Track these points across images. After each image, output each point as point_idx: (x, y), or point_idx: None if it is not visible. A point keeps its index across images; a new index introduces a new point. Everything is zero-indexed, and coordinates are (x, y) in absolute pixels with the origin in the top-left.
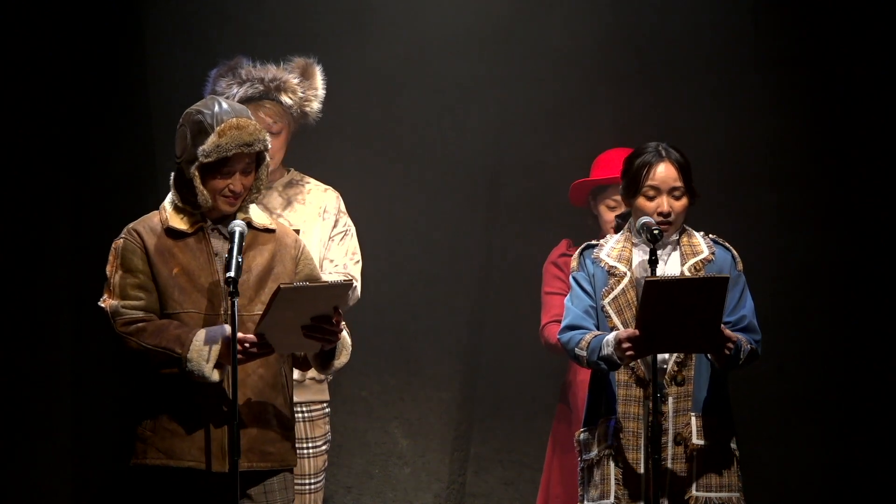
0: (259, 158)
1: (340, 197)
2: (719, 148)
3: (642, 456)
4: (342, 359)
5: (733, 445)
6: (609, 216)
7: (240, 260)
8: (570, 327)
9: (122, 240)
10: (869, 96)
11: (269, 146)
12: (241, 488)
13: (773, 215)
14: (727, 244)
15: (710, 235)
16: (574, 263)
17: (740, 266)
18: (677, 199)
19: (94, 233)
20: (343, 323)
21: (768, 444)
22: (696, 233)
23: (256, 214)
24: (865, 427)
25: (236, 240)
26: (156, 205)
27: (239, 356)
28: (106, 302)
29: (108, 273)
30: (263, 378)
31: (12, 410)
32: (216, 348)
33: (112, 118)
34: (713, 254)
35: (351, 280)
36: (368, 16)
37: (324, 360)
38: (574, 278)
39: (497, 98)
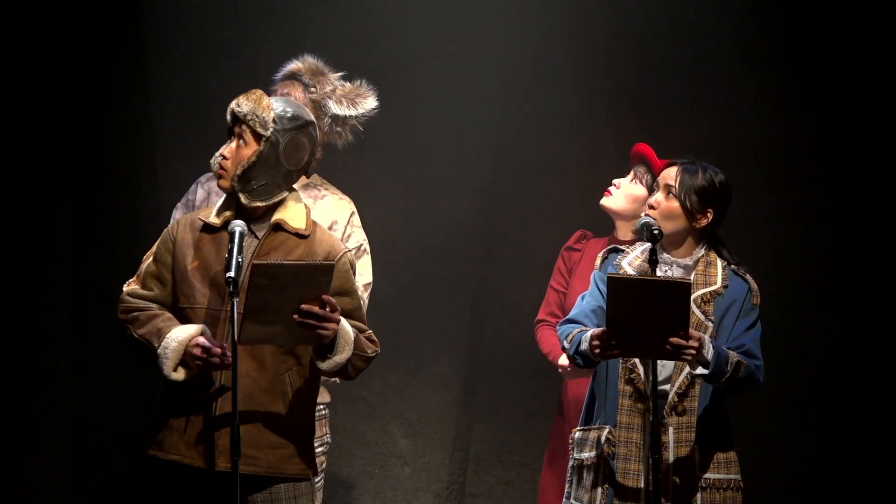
0: (260, 140)
1: (356, 211)
2: (716, 148)
3: (643, 468)
4: (344, 353)
5: (737, 477)
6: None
7: (239, 260)
8: (570, 321)
9: (167, 229)
10: (865, 96)
11: (269, 127)
12: (236, 490)
13: (769, 215)
14: (747, 277)
15: (733, 266)
16: (597, 262)
17: (756, 300)
18: (667, 197)
19: (93, 232)
20: (355, 325)
21: (767, 444)
22: (719, 261)
23: (294, 217)
24: (864, 427)
25: (236, 240)
26: (156, 207)
27: (198, 362)
28: (128, 285)
29: (145, 255)
30: (256, 381)
31: (12, 410)
32: (177, 347)
33: (112, 117)
34: (725, 287)
35: (332, 263)
36: (368, 17)
37: (321, 353)
38: (593, 277)
39: (497, 98)
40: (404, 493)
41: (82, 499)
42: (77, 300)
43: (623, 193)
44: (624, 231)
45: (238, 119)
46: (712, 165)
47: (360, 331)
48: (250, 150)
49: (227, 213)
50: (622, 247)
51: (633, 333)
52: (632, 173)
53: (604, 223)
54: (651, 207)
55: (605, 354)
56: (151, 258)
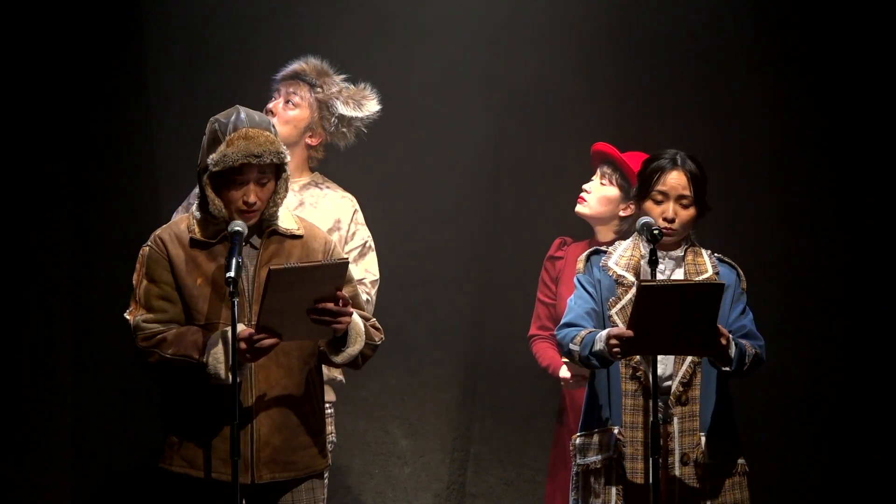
0: (279, 172)
1: (358, 208)
2: (716, 148)
3: (650, 466)
4: (357, 346)
5: (742, 461)
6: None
7: (239, 260)
8: (569, 325)
9: (147, 248)
10: (865, 96)
11: (287, 159)
12: (268, 499)
13: (769, 215)
14: (733, 263)
15: (717, 255)
16: (580, 266)
17: (744, 285)
18: (684, 207)
19: (93, 233)
20: (360, 314)
21: (767, 444)
22: (703, 251)
23: (283, 219)
24: (864, 427)
25: (237, 240)
26: (156, 207)
27: (248, 355)
28: (131, 314)
29: (134, 282)
30: (288, 388)
31: (12, 410)
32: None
33: (112, 117)
34: (717, 273)
35: (347, 260)
36: (367, 17)
37: (335, 346)
38: (578, 280)
39: (497, 97)
40: (404, 493)
41: (82, 499)
42: (77, 300)
43: (596, 197)
44: (604, 234)
45: (255, 165)
46: (680, 152)
47: (365, 319)
48: (272, 183)
49: (218, 227)
50: (603, 248)
51: (655, 334)
52: (598, 174)
53: None
54: (668, 220)
55: (625, 354)
56: (146, 281)
